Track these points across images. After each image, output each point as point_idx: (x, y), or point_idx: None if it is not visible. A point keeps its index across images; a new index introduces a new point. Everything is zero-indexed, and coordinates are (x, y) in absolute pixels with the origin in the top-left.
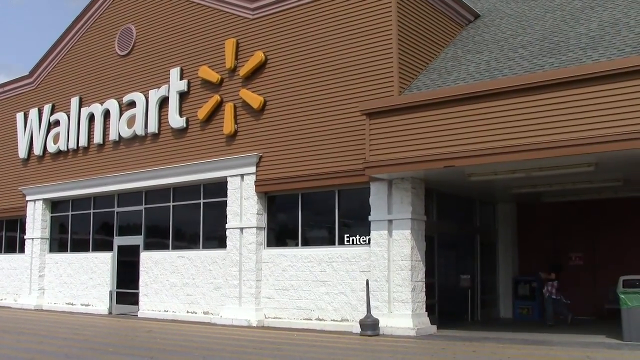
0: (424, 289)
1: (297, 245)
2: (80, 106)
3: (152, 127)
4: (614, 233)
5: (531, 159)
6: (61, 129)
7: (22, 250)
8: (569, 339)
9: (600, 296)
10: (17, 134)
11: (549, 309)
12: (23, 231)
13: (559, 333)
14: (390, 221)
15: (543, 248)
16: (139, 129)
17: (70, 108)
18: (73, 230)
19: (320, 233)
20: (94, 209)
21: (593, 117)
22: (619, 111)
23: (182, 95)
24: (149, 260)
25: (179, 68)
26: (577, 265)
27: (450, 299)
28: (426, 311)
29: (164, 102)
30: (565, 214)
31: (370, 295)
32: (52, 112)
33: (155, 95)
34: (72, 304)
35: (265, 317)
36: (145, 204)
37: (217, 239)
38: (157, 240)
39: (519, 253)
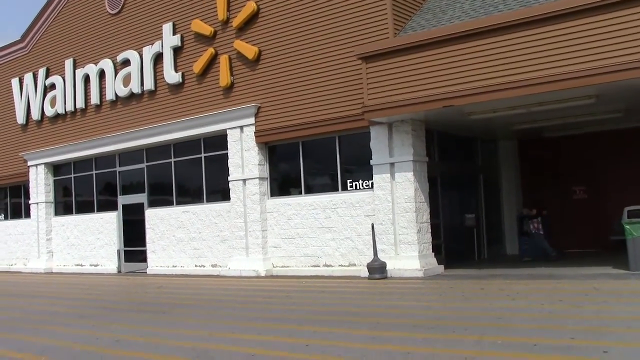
0: (430, 230)
1: (300, 193)
2: (75, 68)
3: (149, 85)
4: (617, 165)
5: (530, 94)
6: (57, 92)
7: (27, 215)
8: (575, 272)
9: (606, 228)
10: (13, 100)
11: (543, 243)
12: (27, 197)
13: (565, 266)
14: (392, 164)
15: (547, 183)
16: (135, 87)
17: (64, 70)
18: (77, 193)
19: (323, 180)
20: (96, 170)
21: (592, 48)
22: (618, 41)
23: (176, 51)
24: (154, 217)
25: (171, 23)
26: (581, 198)
27: (456, 239)
28: (433, 252)
29: (158, 59)
30: (567, 148)
31: (376, 238)
32: (47, 76)
33: (149, 52)
34: (81, 265)
35: (273, 267)
36: (146, 162)
37: (220, 192)
38: (161, 197)
39: (523, 189)
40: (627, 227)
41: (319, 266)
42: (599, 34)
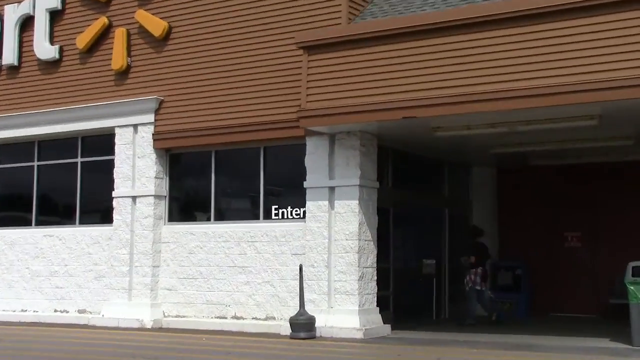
0: (375, 277)
1: (209, 219)
2: None
3: (9, 57)
4: (622, 206)
5: (516, 109)
6: None
7: None
8: (563, 343)
9: (605, 288)
10: None
11: (472, 304)
12: None
13: (551, 334)
14: (332, 189)
15: (531, 225)
16: None
17: None
18: None
19: (241, 204)
20: None
21: (597, 55)
22: (631, 48)
23: (55, 15)
24: (0, 241)
25: None
26: (574, 247)
27: (410, 291)
28: (378, 306)
29: (27, 24)
30: (560, 181)
31: (304, 285)
32: None
33: (13, 12)
34: None
35: (165, 316)
36: None
37: (100, 212)
38: (14, 213)
39: (500, 231)
40: (631, 288)
41: (226, 318)
42: (606, 38)
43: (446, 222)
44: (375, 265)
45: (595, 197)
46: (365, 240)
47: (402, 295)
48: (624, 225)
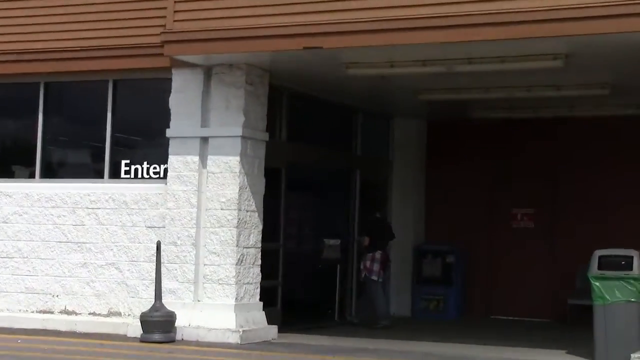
0: (259, 262)
1: (32, 176)
2: None
3: None
4: (589, 176)
5: (455, 41)
6: None
7: None
8: (506, 355)
9: (562, 283)
10: None
11: (378, 299)
12: None
13: (490, 344)
14: (205, 139)
15: (469, 198)
16: None
17: None
18: None
19: (79, 157)
20: None
21: None
22: None
23: None
24: None
25: None
26: (525, 228)
27: (306, 281)
28: (262, 301)
29: None
30: (509, 141)
31: (163, 270)
32: None
33: None
34: None
35: None
36: None
37: None
38: None
39: (428, 204)
40: (596, 284)
41: (53, 312)
42: None
43: (357, 190)
44: (259, 245)
45: (555, 163)
46: (248, 211)
47: (295, 287)
48: (591, 201)
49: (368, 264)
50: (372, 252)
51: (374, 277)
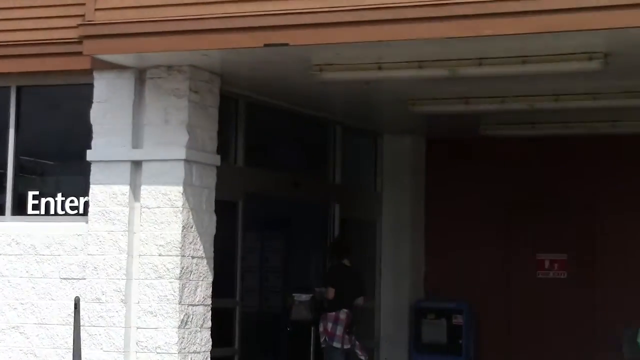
0: (209, 324)
1: None
2: None
3: None
4: (636, 210)
5: (462, 36)
6: None
7: None
8: None
9: (604, 352)
10: None
11: None
12: None
13: None
14: (137, 164)
15: (482, 240)
16: None
17: None
18: None
19: None
20: None
21: None
22: None
23: None
24: None
25: None
26: (555, 279)
27: (271, 349)
28: None
29: None
30: (530, 164)
31: (83, 335)
32: None
33: None
34: None
35: None
36: None
37: None
38: None
39: (428, 248)
40: None
41: None
42: None
43: (335, 229)
44: (209, 301)
45: (594, 193)
46: (194, 258)
47: (257, 356)
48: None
49: (330, 326)
50: (335, 310)
51: (336, 344)
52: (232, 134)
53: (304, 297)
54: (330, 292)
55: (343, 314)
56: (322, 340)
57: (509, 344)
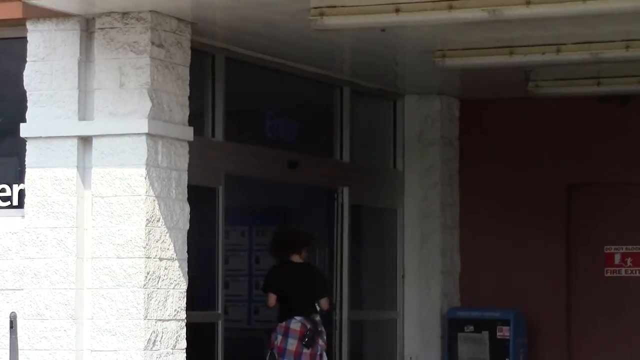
0: (184, 343)
1: None
2: None
3: None
4: None
5: None
6: None
7: None
8: None
9: None
10: None
11: None
12: None
13: None
14: (86, 140)
15: (532, 226)
16: None
17: None
18: None
19: None
20: None
21: None
22: None
23: None
24: None
25: None
26: (629, 278)
27: None
28: None
29: None
30: (595, 130)
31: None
32: None
33: None
34: None
35: None
36: None
37: None
38: None
39: (464, 240)
40: None
41: None
42: None
43: (344, 219)
44: (183, 315)
45: None
46: (162, 260)
47: None
48: None
49: (279, 339)
50: (284, 320)
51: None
52: (208, 100)
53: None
54: (270, 299)
55: (295, 324)
56: (267, 355)
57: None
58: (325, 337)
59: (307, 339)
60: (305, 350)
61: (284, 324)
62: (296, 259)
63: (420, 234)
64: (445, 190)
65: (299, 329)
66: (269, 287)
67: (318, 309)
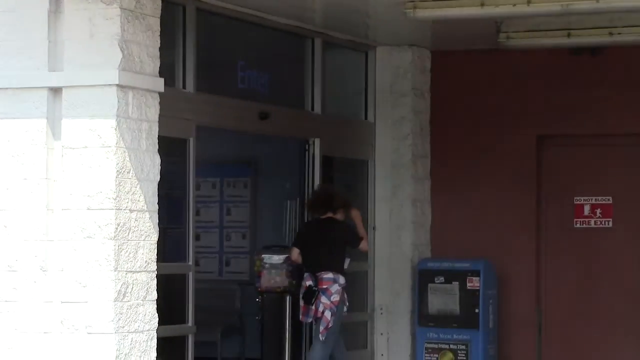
0: (154, 295)
1: None
2: None
3: None
4: None
5: None
6: None
7: None
8: None
9: None
10: None
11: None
12: None
13: None
14: (55, 91)
15: (503, 178)
16: None
17: None
18: None
19: None
20: None
21: None
22: None
23: None
24: None
25: None
26: (599, 229)
27: (235, 326)
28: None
29: None
30: (566, 82)
31: None
32: None
33: None
34: None
35: None
36: None
37: None
38: None
39: (435, 193)
40: None
41: None
42: None
43: (315, 171)
44: (154, 267)
45: None
46: (132, 212)
47: (217, 336)
48: None
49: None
50: (317, 274)
51: (331, 313)
52: (179, 51)
53: (277, 258)
54: (293, 253)
55: (304, 281)
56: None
57: (540, 315)
58: (333, 297)
59: (305, 295)
60: (310, 307)
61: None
62: (327, 216)
63: (391, 186)
64: (416, 141)
65: (306, 285)
66: (294, 242)
67: (346, 266)
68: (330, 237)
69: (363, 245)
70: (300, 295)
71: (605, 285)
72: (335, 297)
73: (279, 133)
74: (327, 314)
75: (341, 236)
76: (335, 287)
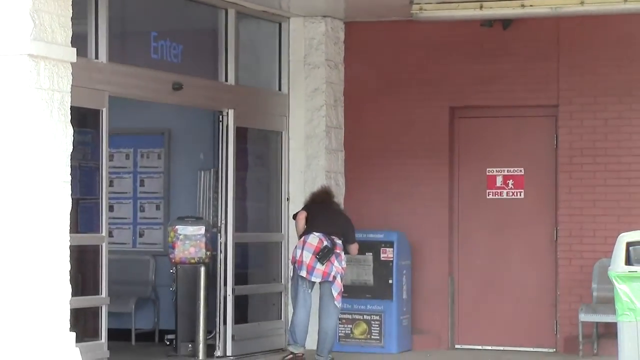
0: (67, 266)
1: None
2: None
3: None
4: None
5: None
6: None
7: None
8: None
9: (571, 291)
10: None
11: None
12: None
13: None
14: None
15: (416, 148)
16: None
17: None
18: None
19: None
20: None
21: None
22: None
23: None
24: None
25: None
26: (510, 200)
27: (148, 297)
28: (74, 331)
29: None
30: (478, 54)
31: None
32: None
33: None
34: None
35: None
36: None
37: None
38: None
39: (349, 164)
40: (622, 289)
41: None
42: None
43: (229, 142)
44: (67, 239)
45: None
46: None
47: (129, 306)
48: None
49: (297, 253)
50: (303, 235)
51: (302, 273)
52: (91, 21)
53: (191, 229)
54: (299, 215)
55: (313, 238)
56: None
57: (452, 285)
58: (343, 263)
59: (321, 254)
60: (318, 266)
61: (302, 238)
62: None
63: (305, 157)
64: (330, 113)
65: (315, 243)
66: (304, 207)
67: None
68: (336, 215)
69: (354, 247)
70: (316, 254)
71: (516, 255)
72: (344, 264)
73: (193, 104)
74: (339, 279)
75: (344, 223)
76: (344, 254)
